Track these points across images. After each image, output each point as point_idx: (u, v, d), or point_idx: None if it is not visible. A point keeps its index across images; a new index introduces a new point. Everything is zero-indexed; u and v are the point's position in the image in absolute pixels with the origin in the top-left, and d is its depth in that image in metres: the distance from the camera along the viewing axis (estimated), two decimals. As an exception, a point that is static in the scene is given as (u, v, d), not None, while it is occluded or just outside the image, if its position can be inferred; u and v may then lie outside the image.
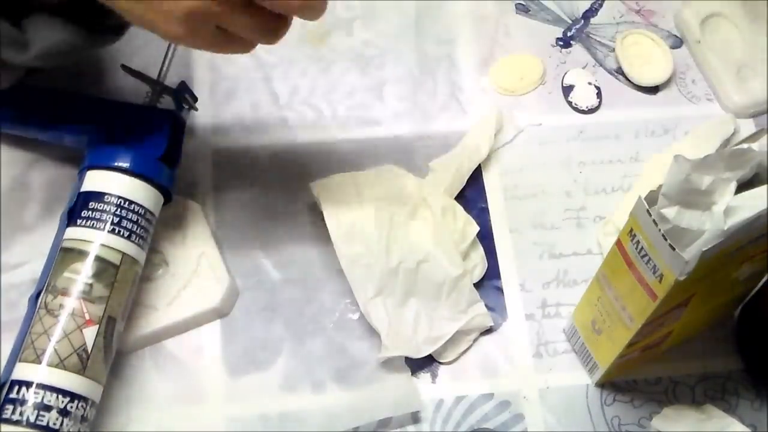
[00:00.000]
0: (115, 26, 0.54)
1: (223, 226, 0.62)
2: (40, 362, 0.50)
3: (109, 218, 0.54)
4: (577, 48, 0.71)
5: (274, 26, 0.48)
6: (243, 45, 0.49)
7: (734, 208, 0.46)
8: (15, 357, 0.51)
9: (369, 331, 0.59)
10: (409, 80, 0.68)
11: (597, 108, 0.69)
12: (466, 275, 0.60)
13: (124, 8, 0.47)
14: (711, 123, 0.68)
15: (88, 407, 0.51)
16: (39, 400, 0.49)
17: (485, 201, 0.64)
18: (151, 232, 0.56)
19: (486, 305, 0.60)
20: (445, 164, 0.64)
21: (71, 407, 0.50)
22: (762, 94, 0.68)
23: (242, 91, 0.67)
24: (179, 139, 0.61)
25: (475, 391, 0.59)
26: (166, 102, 0.60)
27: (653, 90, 0.70)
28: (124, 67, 0.60)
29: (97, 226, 0.53)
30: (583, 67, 0.70)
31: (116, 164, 0.55)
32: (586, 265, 0.62)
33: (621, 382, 0.60)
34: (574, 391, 0.59)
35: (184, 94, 0.61)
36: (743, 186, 0.47)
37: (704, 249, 0.44)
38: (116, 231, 0.54)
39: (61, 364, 0.50)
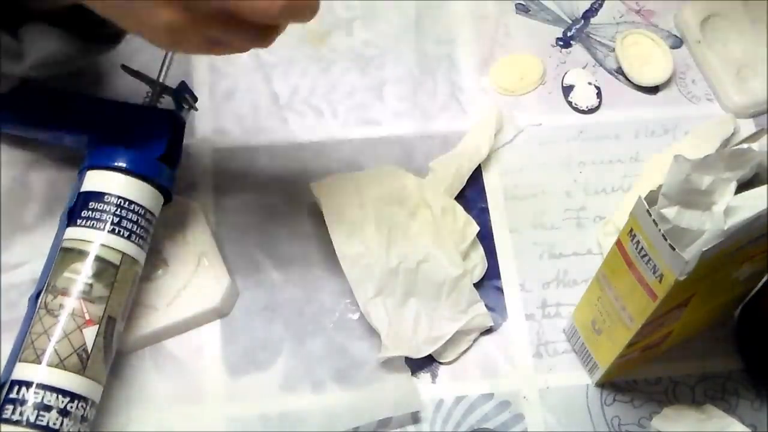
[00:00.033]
0: (110, 35, 0.54)
1: (223, 226, 0.62)
2: (40, 362, 0.50)
3: (109, 218, 0.54)
4: (577, 48, 0.71)
5: (262, 33, 0.46)
6: (235, 49, 0.48)
7: (734, 208, 0.46)
8: (15, 357, 0.51)
9: (369, 331, 0.59)
10: (409, 80, 0.68)
11: (597, 108, 0.69)
12: (466, 275, 0.60)
13: (114, 19, 0.47)
14: (711, 123, 0.68)
15: (88, 407, 0.51)
16: (39, 400, 0.49)
17: (485, 201, 0.64)
18: (151, 232, 0.56)
19: (486, 305, 0.60)
20: (445, 164, 0.64)
21: (71, 407, 0.50)
22: (762, 94, 0.68)
23: (242, 91, 0.67)
24: (179, 139, 0.60)
25: (475, 391, 0.59)
26: (166, 102, 0.60)
27: (653, 90, 0.70)
28: (124, 67, 0.60)
29: (97, 226, 0.53)
30: (583, 67, 0.70)
31: (116, 164, 0.55)
32: (586, 265, 0.62)
33: (621, 382, 0.60)
34: (574, 391, 0.59)
35: (184, 94, 0.61)
36: (743, 186, 0.47)
37: (704, 249, 0.44)
38: (116, 231, 0.54)
39: (61, 364, 0.50)
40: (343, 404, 0.57)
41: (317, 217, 0.62)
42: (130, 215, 0.54)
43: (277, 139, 0.66)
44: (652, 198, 0.46)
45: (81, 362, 0.51)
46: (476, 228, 0.62)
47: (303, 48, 0.69)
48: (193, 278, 0.59)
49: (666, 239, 0.45)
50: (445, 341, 0.58)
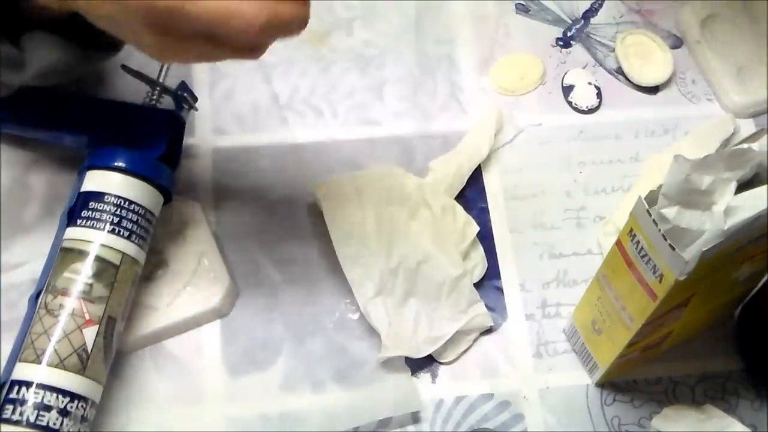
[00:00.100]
0: (110, 42, 0.54)
1: (223, 226, 0.62)
2: (40, 362, 0.50)
3: (109, 218, 0.54)
4: (577, 48, 0.71)
5: (248, 48, 0.45)
6: (227, 59, 0.48)
7: (734, 208, 0.46)
8: (15, 357, 0.51)
9: (369, 331, 0.59)
10: (409, 80, 0.68)
11: (597, 108, 0.69)
12: (466, 275, 0.60)
13: (108, 31, 0.47)
14: (711, 123, 0.68)
15: (88, 407, 0.51)
16: (39, 400, 0.49)
17: (485, 201, 0.64)
18: (151, 232, 0.56)
19: (486, 305, 0.60)
20: (445, 164, 0.64)
21: (71, 407, 0.50)
22: (762, 94, 0.68)
23: (242, 91, 0.67)
24: (179, 139, 0.61)
25: (475, 391, 0.59)
26: (166, 102, 0.60)
27: (653, 90, 0.70)
28: (124, 67, 0.60)
29: (97, 226, 0.53)
30: (583, 67, 0.70)
31: (116, 164, 0.55)
32: (586, 265, 0.62)
33: (621, 382, 0.60)
34: (574, 391, 0.59)
35: (184, 94, 0.61)
36: (743, 186, 0.47)
37: (704, 249, 0.44)
38: (116, 231, 0.54)
39: (61, 364, 0.50)
40: (343, 404, 0.57)
41: (317, 217, 0.62)
42: (130, 215, 0.54)
43: (277, 139, 0.66)
44: (652, 198, 0.46)
45: (81, 362, 0.51)
46: (476, 228, 0.62)
47: (303, 48, 0.69)
48: (193, 278, 0.59)
49: (666, 239, 0.45)
50: (445, 341, 0.58)
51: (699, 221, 0.46)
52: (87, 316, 0.52)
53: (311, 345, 0.59)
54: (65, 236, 0.54)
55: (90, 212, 0.54)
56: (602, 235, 0.63)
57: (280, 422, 0.57)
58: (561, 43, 0.71)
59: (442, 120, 0.67)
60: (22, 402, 0.49)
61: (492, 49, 0.70)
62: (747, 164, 0.47)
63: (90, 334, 0.51)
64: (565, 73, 0.70)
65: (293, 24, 0.43)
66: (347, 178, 0.62)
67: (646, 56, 0.70)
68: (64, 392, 0.50)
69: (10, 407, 0.49)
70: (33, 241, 0.60)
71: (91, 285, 0.52)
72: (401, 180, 0.62)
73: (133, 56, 0.62)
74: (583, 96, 0.69)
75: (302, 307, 0.60)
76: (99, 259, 0.53)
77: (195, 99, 0.61)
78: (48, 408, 0.49)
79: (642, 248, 0.47)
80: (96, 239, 0.53)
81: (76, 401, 0.50)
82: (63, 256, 0.53)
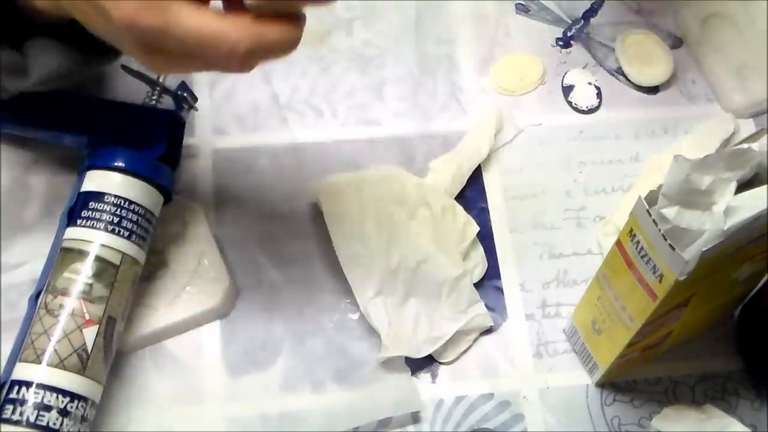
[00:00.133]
0: (111, 48, 0.54)
1: (223, 226, 0.62)
2: (40, 362, 0.50)
3: (109, 218, 0.54)
4: (577, 48, 0.71)
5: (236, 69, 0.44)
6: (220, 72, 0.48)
7: (734, 208, 0.46)
8: (15, 357, 0.51)
9: (369, 331, 0.59)
10: (409, 80, 0.68)
11: (597, 108, 0.69)
12: (466, 275, 0.60)
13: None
14: (711, 123, 0.68)
15: (88, 407, 0.51)
16: (39, 400, 0.49)
17: (485, 201, 0.64)
18: (151, 232, 0.56)
19: (486, 305, 0.60)
20: (445, 164, 0.64)
21: (71, 407, 0.50)
22: (762, 94, 0.68)
23: (242, 91, 0.67)
24: (179, 139, 0.61)
25: (475, 391, 0.59)
26: (166, 102, 0.60)
27: (653, 90, 0.70)
28: (124, 67, 0.60)
29: (97, 226, 0.53)
30: (583, 67, 0.70)
31: (116, 164, 0.55)
32: (586, 265, 0.62)
33: (621, 382, 0.60)
34: (574, 391, 0.59)
35: (184, 94, 0.61)
36: (743, 186, 0.47)
37: (704, 249, 0.44)
38: (116, 231, 0.54)
39: (61, 364, 0.50)
40: (343, 404, 0.57)
41: (317, 217, 0.62)
42: (130, 215, 0.54)
43: (277, 139, 0.66)
44: (652, 198, 0.46)
45: (81, 362, 0.51)
46: (476, 228, 0.62)
47: (303, 48, 0.68)
48: (193, 278, 0.59)
49: (666, 239, 0.45)
50: (445, 341, 0.58)
51: (699, 221, 0.46)
52: (87, 316, 0.52)
53: (311, 345, 0.59)
54: (65, 236, 0.54)
55: (90, 212, 0.54)
56: (602, 235, 0.63)
57: (280, 422, 0.57)
58: (561, 43, 0.71)
59: (442, 120, 0.67)
60: (22, 402, 0.49)
61: (492, 49, 0.70)
62: (747, 164, 0.47)
63: (90, 334, 0.51)
64: (565, 73, 0.70)
65: (280, 48, 0.43)
66: (347, 178, 0.62)
67: (646, 56, 0.70)
68: (64, 392, 0.50)
69: (10, 407, 0.49)
70: (33, 241, 0.60)
71: (91, 285, 0.52)
72: (401, 180, 0.62)
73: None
74: (583, 96, 0.69)
75: (302, 307, 0.60)
76: (99, 259, 0.53)
77: (195, 99, 0.61)
78: (48, 408, 0.49)
79: (642, 248, 0.47)
80: (96, 239, 0.53)
81: (76, 401, 0.50)
82: (63, 256, 0.53)
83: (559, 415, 0.58)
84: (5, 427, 0.49)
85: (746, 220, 0.45)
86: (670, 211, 0.46)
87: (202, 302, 0.58)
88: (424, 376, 0.59)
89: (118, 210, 0.54)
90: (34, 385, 0.50)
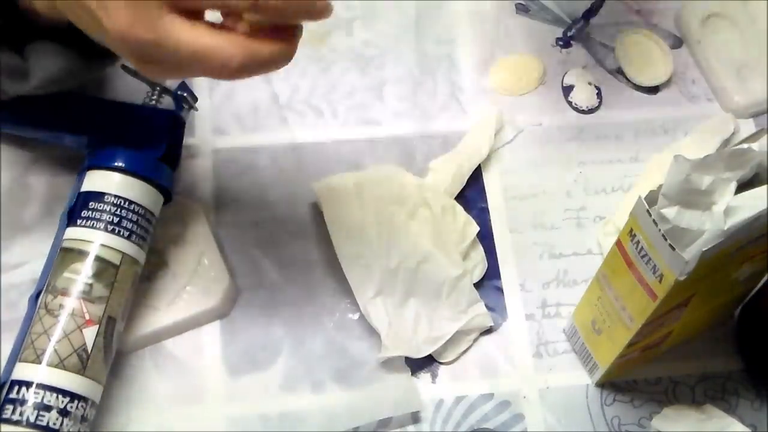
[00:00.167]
0: (111, 51, 0.54)
1: (223, 226, 0.62)
2: (40, 362, 0.50)
3: (109, 218, 0.54)
4: (577, 48, 0.71)
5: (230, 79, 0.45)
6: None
7: (734, 208, 0.46)
8: (15, 357, 0.51)
9: (369, 331, 0.59)
10: (409, 80, 0.68)
11: (597, 108, 0.69)
12: (466, 275, 0.60)
13: None
14: (711, 123, 0.68)
15: (88, 407, 0.51)
16: (39, 400, 0.49)
17: (485, 201, 0.64)
18: (151, 232, 0.56)
19: (486, 305, 0.60)
20: (445, 164, 0.64)
21: (71, 407, 0.50)
22: (762, 94, 0.68)
23: (242, 91, 0.67)
24: (179, 139, 0.61)
25: (475, 391, 0.59)
26: (166, 102, 0.60)
27: (653, 90, 0.70)
28: (124, 67, 0.60)
29: (97, 226, 0.53)
30: (583, 67, 0.70)
31: (116, 164, 0.55)
32: (586, 265, 0.62)
33: (621, 382, 0.60)
34: (574, 391, 0.59)
35: (184, 94, 0.61)
36: (743, 186, 0.47)
37: (704, 249, 0.44)
38: (116, 231, 0.54)
39: (61, 364, 0.50)
40: (343, 404, 0.57)
41: (317, 217, 0.62)
42: (129, 215, 0.54)
43: (277, 139, 0.65)
44: (652, 198, 0.46)
45: (81, 362, 0.51)
46: (476, 228, 0.62)
47: (303, 48, 0.68)
48: (193, 278, 0.59)
49: (666, 239, 0.45)
50: (445, 341, 0.58)
51: (699, 221, 0.46)
52: (87, 316, 0.52)
53: (311, 345, 0.59)
54: (65, 236, 0.54)
55: (90, 212, 0.54)
56: (602, 235, 0.63)
57: (280, 422, 0.57)
58: (561, 43, 0.71)
59: (442, 120, 0.67)
60: (22, 402, 0.49)
61: (492, 49, 0.70)
62: (747, 164, 0.47)
63: (90, 334, 0.51)
64: (565, 73, 0.70)
65: (273, 63, 0.43)
66: (347, 178, 0.62)
67: (646, 56, 0.70)
68: (64, 392, 0.50)
69: (10, 407, 0.49)
70: (33, 241, 0.60)
71: (91, 285, 0.52)
72: (401, 180, 0.62)
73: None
74: (583, 96, 0.69)
75: (302, 307, 0.60)
76: (99, 259, 0.53)
77: (195, 99, 0.61)
78: (48, 408, 0.49)
79: (642, 248, 0.47)
80: (96, 239, 0.53)
81: (76, 401, 0.50)
82: (63, 256, 0.53)
83: (559, 415, 0.58)
84: (5, 427, 0.49)
85: (746, 220, 0.45)
86: (670, 211, 0.46)
87: (202, 302, 0.58)
88: (424, 376, 0.59)
89: (118, 210, 0.54)
90: (34, 385, 0.50)
